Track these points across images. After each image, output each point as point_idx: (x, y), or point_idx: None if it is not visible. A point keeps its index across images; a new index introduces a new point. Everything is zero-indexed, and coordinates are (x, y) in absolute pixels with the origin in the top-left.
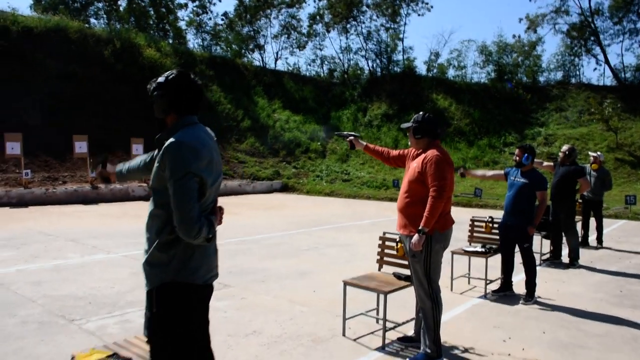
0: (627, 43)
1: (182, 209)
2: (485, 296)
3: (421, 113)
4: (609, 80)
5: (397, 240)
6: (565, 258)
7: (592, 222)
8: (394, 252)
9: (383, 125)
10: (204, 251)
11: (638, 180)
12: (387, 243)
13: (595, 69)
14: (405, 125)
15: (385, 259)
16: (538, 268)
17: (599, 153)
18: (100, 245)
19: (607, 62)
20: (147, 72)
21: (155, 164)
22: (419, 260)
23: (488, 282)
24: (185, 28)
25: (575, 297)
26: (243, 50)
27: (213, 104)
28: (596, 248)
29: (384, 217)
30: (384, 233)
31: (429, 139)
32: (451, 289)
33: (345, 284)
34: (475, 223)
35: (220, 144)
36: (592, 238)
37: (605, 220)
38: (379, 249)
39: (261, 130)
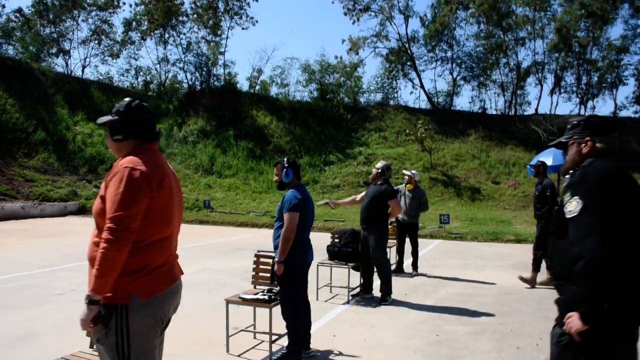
0: (440, 70)
1: None
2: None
3: (127, 100)
4: (424, 103)
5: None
6: (377, 291)
7: (408, 246)
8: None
9: (199, 142)
10: None
11: (450, 198)
12: (262, 260)
13: (411, 92)
14: (102, 120)
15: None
16: (345, 307)
17: (413, 172)
18: None
19: (422, 86)
20: None
21: None
22: (108, 346)
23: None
24: None
25: (385, 350)
26: (43, 54)
27: None
28: (411, 275)
29: (186, 243)
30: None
31: (137, 140)
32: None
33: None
34: (262, 260)
35: (3, 159)
36: (407, 263)
37: (421, 241)
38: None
39: (58, 144)
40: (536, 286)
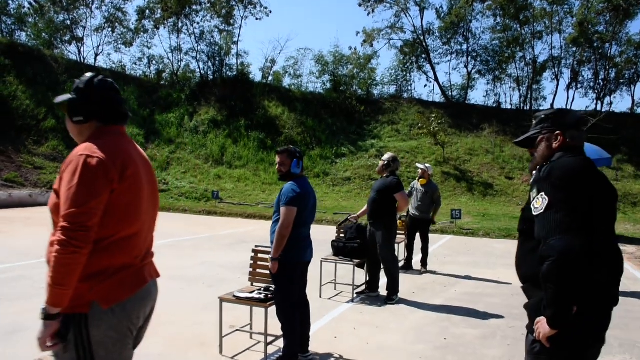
0: (454, 63)
1: None
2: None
3: (88, 75)
4: (438, 97)
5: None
6: (383, 290)
7: (417, 242)
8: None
9: (210, 132)
10: None
11: (462, 193)
12: (260, 256)
13: (425, 85)
14: (59, 99)
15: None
16: (349, 305)
17: (426, 165)
18: None
19: (436, 79)
20: None
21: None
22: None
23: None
24: None
25: (389, 354)
26: (57, 42)
27: (6, 98)
28: (420, 273)
29: (190, 234)
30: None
31: (101, 122)
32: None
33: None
34: (260, 255)
35: (12, 146)
36: (417, 259)
37: (431, 236)
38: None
39: (67, 132)
40: None
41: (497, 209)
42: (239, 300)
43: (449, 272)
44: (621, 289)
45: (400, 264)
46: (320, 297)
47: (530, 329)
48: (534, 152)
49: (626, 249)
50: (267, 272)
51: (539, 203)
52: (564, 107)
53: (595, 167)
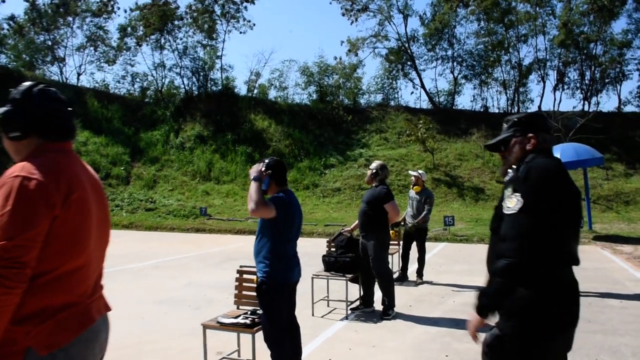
0: (440, 69)
1: None
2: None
3: (27, 84)
4: (425, 103)
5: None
6: (378, 304)
7: (413, 252)
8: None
9: (196, 148)
10: None
11: (454, 199)
12: (245, 276)
13: (412, 92)
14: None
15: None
16: (343, 323)
17: (420, 171)
18: None
19: (422, 86)
20: None
21: None
22: None
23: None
24: None
25: None
26: (38, 62)
27: None
28: (416, 284)
29: (176, 254)
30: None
31: (42, 139)
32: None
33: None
34: (245, 276)
35: None
36: (412, 269)
37: (426, 244)
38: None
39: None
40: None
41: (489, 214)
42: (223, 326)
43: (445, 281)
44: (624, 291)
45: (395, 275)
46: (313, 315)
47: (498, 326)
48: (507, 155)
49: (623, 249)
50: (254, 294)
51: (513, 203)
52: (552, 109)
53: (565, 168)
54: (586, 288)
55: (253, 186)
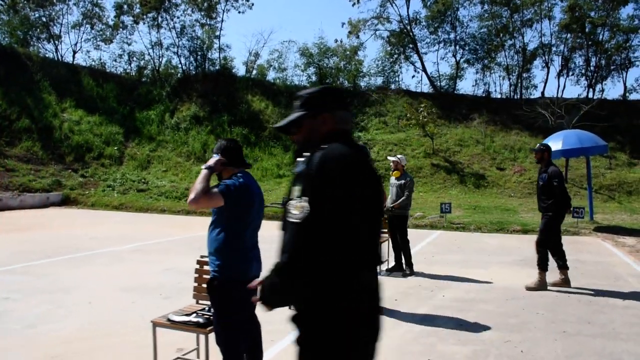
0: (442, 52)
1: None
2: None
3: None
4: (426, 87)
5: None
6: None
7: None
8: None
9: (192, 128)
10: None
11: (453, 185)
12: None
13: (413, 76)
14: None
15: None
16: None
17: (399, 156)
18: None
19: (424, 69)
20: None
21: None
22: None
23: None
24: None
25: None
26: (33, 39)
27: None
28: (404, 275)
29: (161, 237)
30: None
31: None
32: None
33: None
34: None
35: None
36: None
37: (421, 232)
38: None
39: (43, 132)
40: (548, 288)
41: (488, 201)
42: (173, 324)
43: (437, 272)
44: (626, 288)
45: (390, 266)
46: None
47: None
48: (300, 138)
49: (625, 241)
50: None
51: (298, 210)
52: (555, 95)
53: (365, 157)
54: (585, 284)
55: (201, 174)
